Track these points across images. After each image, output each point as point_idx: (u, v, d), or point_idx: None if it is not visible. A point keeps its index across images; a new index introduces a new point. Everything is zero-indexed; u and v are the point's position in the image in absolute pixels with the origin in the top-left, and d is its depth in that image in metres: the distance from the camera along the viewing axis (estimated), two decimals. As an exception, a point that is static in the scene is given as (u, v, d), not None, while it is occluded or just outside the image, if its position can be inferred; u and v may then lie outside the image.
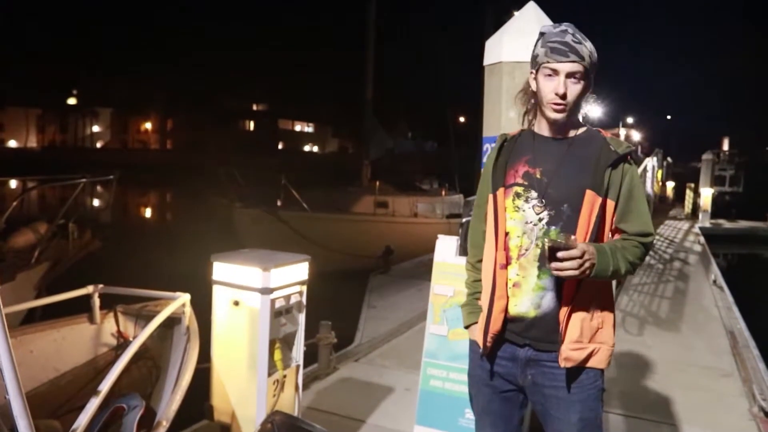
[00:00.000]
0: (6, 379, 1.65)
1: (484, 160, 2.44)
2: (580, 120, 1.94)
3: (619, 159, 1.83)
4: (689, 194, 21.68)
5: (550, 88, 1.81)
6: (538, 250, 1.83)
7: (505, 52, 3.30)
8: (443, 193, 16.23)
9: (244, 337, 2.93)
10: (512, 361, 1.91)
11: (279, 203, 12.67)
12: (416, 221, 14.31)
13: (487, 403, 1.99)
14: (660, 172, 25.06)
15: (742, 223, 19.32)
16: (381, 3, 17.25)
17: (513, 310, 1.87)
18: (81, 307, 3.21)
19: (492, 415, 1.99)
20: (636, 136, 40.90)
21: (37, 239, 6.25)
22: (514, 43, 3.25)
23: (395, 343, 5.65)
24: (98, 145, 77.12)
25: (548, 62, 1.80)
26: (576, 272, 1.66)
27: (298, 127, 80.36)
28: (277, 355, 3.01)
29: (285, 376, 3.04)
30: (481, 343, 1.92)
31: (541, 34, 1.86)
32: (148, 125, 79.11)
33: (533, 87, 1.89)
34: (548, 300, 1.83)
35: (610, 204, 1.83)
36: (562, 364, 1.81)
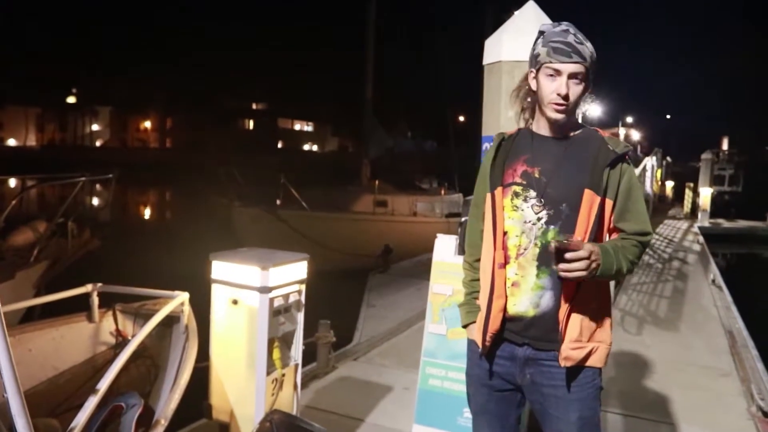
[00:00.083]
0: (4, 378, 1.65)
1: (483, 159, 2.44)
2: (579, 120, 1.94)
3: (617, 159, 1.83)
4: (688, 194, 21.70)
5: (552, 88, 1.80)
6: (537, 250, 1.83)
7: (504, 51, 3.30)
8: (442, 192, 16.22)
9: (243, 335, 2.93)
10: (511, 361, 1.91)
11: (278, 202, 12.67)
12: (415, 220, 14.31)
13: (484, 403, 1.99)
14: (659, 171, 25.08)
15: (741, 223, 19.33)
16: (381, 3, 17.26)
17: (512, 310, 1.87)
18: (80, 306, 3.21)
19: (489, 414, 1.99)
20: (635, 135, 40.99)
21: (36, 238, 6.25)
22: (514, 42, 3.25)
23: (394, 342, 5.65)
24: (97, 143, 77.13)
25: (551, 62, 1.79)
26: (584, 273, 1.66)
27: (297, 126, 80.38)
28: (276, 353, 3.01)
29: (284, 375, 3.04)
30: (480, 343, 1.92)
31: (541, 32, 1.85)
32: (148, 124, 79.12)
33: (533, 86, 1.88)
34: (547, 299, 1.83)
35: (609, 203, 1.83)
36: (563, 363, 1.81)
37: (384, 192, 14.72)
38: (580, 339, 1.81)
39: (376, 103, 18.05)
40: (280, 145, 71.94)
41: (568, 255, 1.64)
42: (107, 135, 78.89)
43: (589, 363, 1.84)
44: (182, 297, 3.06)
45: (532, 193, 1.85)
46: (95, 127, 78.47)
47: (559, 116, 1.83)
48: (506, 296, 1.87)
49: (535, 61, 1.85)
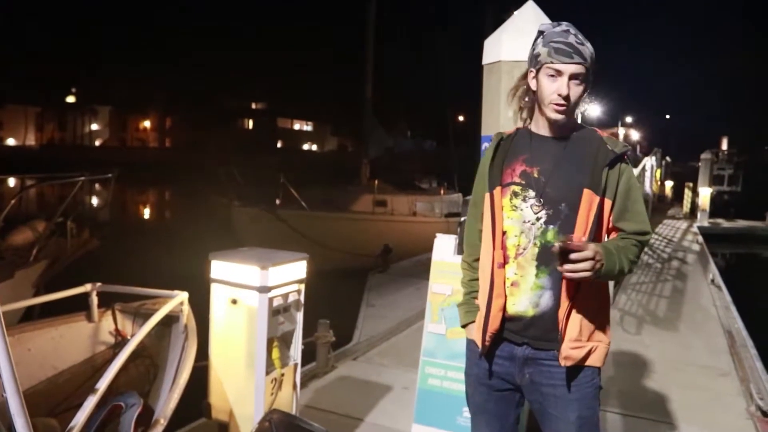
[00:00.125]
0: (4, 377, 1.65)
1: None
2: (578, 120, 1.94)
3: (616, 158, 1.83)
4: (688, 193, 21.70)
5: (552, 88, 1.80)
6: (536, 249, 1.83)
7: (504, 51, 3.30)
8: (442, 192, 16.22)
9: (242, 335, 2.93)
10: (510, 360, 1.91)
11: (278, 202, 12.68)
12: (415, 220, 14.31)
13: (483, 402, 1.99)
14: (659, 171, 25.07)
15: (741, 223, 19.32)
16: (381, 3, 17.26)
17: (511, 309, 1.87)
18: (79, 306, 3.20)
19: (488, 414, 1.99)
20: (635, 135, 40.98)
21: (36, 237, 6.26)
22: (513, 42, 3.25)
23: (394, 341, 5.65)
24: (97, 143, 77.13)
25: (552, 62, 1.78)
26: (590, 273, 1.65)
27: (297, 126, 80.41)
28: (275, 353, 3.01)
29: (283, 375, 3.04)
30: (479, 343, 1.92)
31: (540, 32, 1.85)
32: (147, 123, 79.14)
33: (533, 86, 1.88)
34: (546, 299, 1.84)
35: (608, 203, 1.83)
36: (563, 363, 1.81)
37: (383, 192, 14.72)
38: (579, 338, 1.81)
39: (376, 103, 18.07)
40: (279, 145, 71.99)
41: (573, 255, 1.63)
42: (106, 134, 78.91)
43: (588, 362, 1.84)
44: (181, 296, 3.06)
45: (531, 193, 1.85)
46: (95, 126, 78.47)
47: (560, 117, 1.83)
48: (505, 296, 1.87)
49: (535, 61, 1.84)
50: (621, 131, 35.56)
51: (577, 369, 1.84)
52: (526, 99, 1.95)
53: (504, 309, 1.87)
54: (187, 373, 2.73)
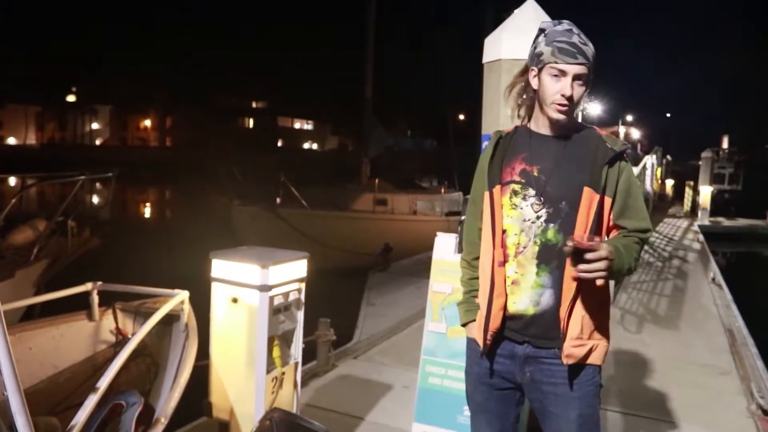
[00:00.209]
0: (5, 376, 1.65)
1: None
2: (578, 119, 1.94)
3: (615, 156, 1.84)
4: (688, 192, 21.69)
5: (556, 88, 1.79)
6: (537, 248, 1.83)
7: (504, 49, 3.30)
8: (442, 190, 16.22)
9: (243, 334, 2.93)
10: (511, 359, 1.91)
11: (278, 201, 12.69)
12: (415, 219, 14.31)
13: (484, 401, 1.99)
14: (659, 170, 25.06)
15: (741, 221, 19.32)
16: (381, 3, 17.25)
17: (512, 308, 1.87)
18: (80, 305, 3.20)
19: (488, 413, 1.99)
20: (635, 133, 40.96)
21: (36, 236, 6.26)
22: (513, 40, 3.25)
23: (394, 340, 5.65)
24: (97, 142, 77.15)
25: (556, 62, 1.78)
26: (605, 274, 1.64)
27: (297, 125, 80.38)
28: (276, 352, 3.01)
29: (284, 373, 3.04)
30: (480, 341, 1.92)
31: (542, 30, 1.84)
32: (148, 123, 79.16)
33: (534, 85, 1.87)
34: (547, 297, 1.84)
35: (608, 201, 1.83)
36: (565, 361, 1.81)
37: (384, 190, 14.72)
38: (581, 336, 1.81)
39: (376, 102, 18.06)
40: (279, 144, 71.99)
41: (589, 255, 1.62)
42: (107, 134, 78.93)
43: (589, 361, 1.85)
44: (182, 295, 3.06)
45: (531, 192, 1.85)
46: (95, 125, 78.50)
47: (562, 117, 1.83)
48: (506, 294, 1.87)
49: (537, 60, 1.83)
50: (621, 130, 35.58)
51: (578, 367, 1.84)
52: (524, 96, 1.94)
53: (505, 307, 1.87)
54: (188, 371, 2.73)
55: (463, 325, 2.07)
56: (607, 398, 4.14)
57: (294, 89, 70.38)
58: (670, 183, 28.56)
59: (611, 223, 1.87)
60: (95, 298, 3.19)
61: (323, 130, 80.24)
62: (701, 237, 14.38)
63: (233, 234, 12.17)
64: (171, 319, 3.08)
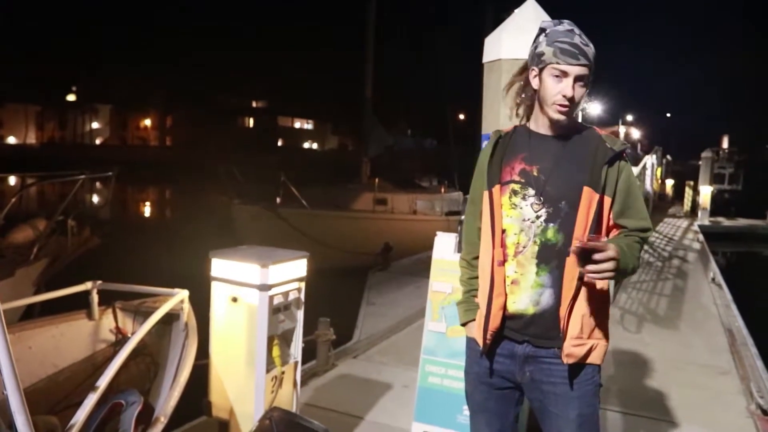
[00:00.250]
0: (4, 375, 1.65)
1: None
2: (578, 118, 1.94)
3: (615, 156, 1.84)
4: (688, 192, 21.71)
5: (557, 89, 1.79)
6: (536, 248, 1.83)
7: (504, 49, 3.30)
8: (442, 190, 16.22)
9: (243, 333, 2.93)
10: (510, 358, 1.91)
11: (278, 200, 12.67)
12: (415, 218, 14.31)
13: (483, 401, 1.99)
14: (659, 169, 25.07)
15: (741, 221, 19.33)
16: (381, 3, 17.25)
17: (512, 308, 1.87)
18: (79, 304, 3.21)
19: (488, 412, 1.99)
20: (636, 133, 40.97)
21: (36, 236, 6.26)
22: (514, 40, 3.25)
23: (394, 339, 5.65)
24: (97, 141, 77.11)
25: (558, 63, 1.77)
26: (613, 274, 1.64)
27: (297, 124, 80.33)
28: (276, 351, 3.01)
29: (283, 373, 3.04)
30: (480, 341, 1.92)
31: (542, 29, 1.84)
32: (148, 122, 79.14)
33: (534, 85, 1.87)
34: (547, 297, 1.84)
35: (607, 201, 1.83)
36: (565, 360, 1.82)
37: (384, 190, 14.72)
38: (581, 336, 1.82)
39: (376, 102, 18.07)
40: (280, 143, 71.95)
41: (598, 256, 1.62)
42: (107, 133, 78.90)
43: (589, 360, 1.85)
44: (182, 294, 3.06)
45: (531, 191, 1.85)
46: (95, 125, 78.47)
47: (562, 117, 1.83)
48: (506, 294, 1.87)
49: (538, 60, 1.82)
50: (622, 130, 35.56)
51: (577, 367, 1.84)
52: (523, 96, 1.94)
53: (504, 307, 1.87)
54: (188, 371, 2.73)
55: (463, 325, 2.07)
56: (606, 398, 4.14)
57: (294, 89, 70.41)
58: (670, 183, 28.58)
59: (611, 223, 1.87)
60: (95, 297, 3.19)
61: (323, 130, 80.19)
62: (701, 237, 14.38)
63: (233, 233, 12.17)
64: (171, 318, 3.08)
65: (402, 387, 4.29)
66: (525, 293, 1.85)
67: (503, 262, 1.87)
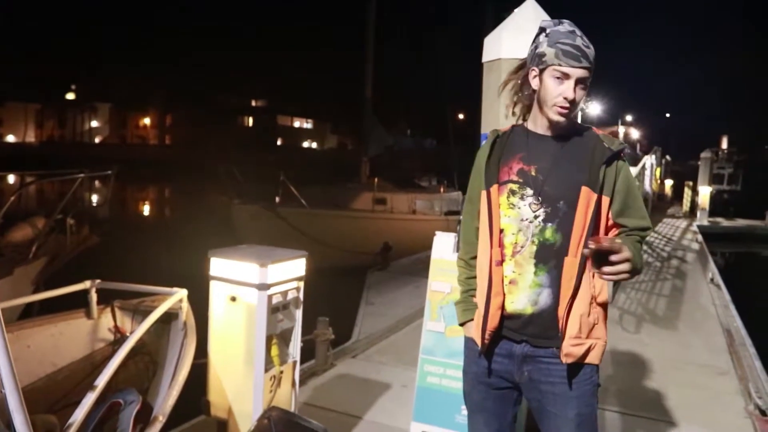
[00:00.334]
0: (3, 374, 1.65)
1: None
2: (577, 118, 1.94)
3: (613, 156, 1.84)
4: (687, 192, 21.72)
5: (558, 91, 1.79)
6: (534, 247, 1.83)
7: (504, 49, 3.30)
8: (442, 190, 16.22)
9: (241, 332, 2.93)
10: (508, 358, 1.91)
11: (277, 200, 12.66)
12: (415, 218, 14.31)
13: (481, 401, 1.99)
14: (658, 170, 25.10)
15: (740, 222, 19.34)
16: (381, 3, 17.25)
17: (510, 307, 1.87)
18: (78, 303, 3.20)
19: (486, 412, 1.99)
20: (635, 133, 41.02)
21: (35, 234, 6.26)
22: (513, 40, 3.25)
23: (393, 339, 5.65)
24: (97, 140, 77.08)
25: (560, 65, 1.77)
26: (628, 275, 1.65)
27: (297, 124, 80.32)
28: (274, 351, 3.00)
29: (282, 372, 3.04)
30: (478, 341, 1.92)
31: (543, 29, 1.83)
32: (147, 121, 79.10)
33: (534, 85, 1.86)
34: (545, 296, 1.84)
35: (605, 200, 1.84)
36: (564, 360, 1.82)
37: (383, 190, 14.72)
38: (579, 335, 1.82)
39: (376, 102, 18.07)
40: (279, 143, 71.93)
41: (614, 257, 1.62)
42: (106, 132, 78.89)
43: (587, 360, 1.85)
44: (181, 294, 3.06)
45: (529, 191, 1.85)
46: (94, 123, 78.46)
47: (562, 119, 1.83)
48: (504, 294, 1.87)
49: (539, 60, 1.82)
50: (621, 130, 35.60)
51: (576, 366, 1.85)
52: (520, 95, 1.94)
53: (502, 307, 1.87)
54: (186, 370, 2.73)
55: (461, 325, 2.07)
56: (605, 398, 4.14)
57: (294, 89, 70.52)
58: (669, 183, 28.60)
59: (610, 222, 1.88)
60: (94, 296, 3.19)
61: (323, 129, 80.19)
62: (700, 237, 14.38)
63: (232, 233, 12.16)
64: (169, 317, 3.08)
65: (401, 387, 4.29)
66: (523, 293, 1.85)
67: (501, 262, 1.87)
